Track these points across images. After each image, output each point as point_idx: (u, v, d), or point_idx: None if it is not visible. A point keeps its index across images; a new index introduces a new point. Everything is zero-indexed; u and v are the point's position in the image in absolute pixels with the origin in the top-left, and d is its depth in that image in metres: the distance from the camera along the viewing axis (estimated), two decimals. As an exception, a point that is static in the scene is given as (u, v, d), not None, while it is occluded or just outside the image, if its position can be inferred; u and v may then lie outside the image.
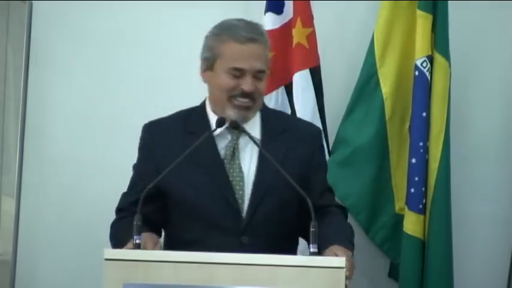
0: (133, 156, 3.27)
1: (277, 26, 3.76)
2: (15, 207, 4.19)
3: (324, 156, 3.29)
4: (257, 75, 2.96)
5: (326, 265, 2.72)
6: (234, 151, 3.08)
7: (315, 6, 3.90)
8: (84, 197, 3.98)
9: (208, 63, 3.00)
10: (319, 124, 3.70)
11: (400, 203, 3.92)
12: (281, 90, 3.80)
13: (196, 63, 3.23)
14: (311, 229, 2.69)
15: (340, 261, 2.66)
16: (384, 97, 3.85)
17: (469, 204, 3.93)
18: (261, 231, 3.00)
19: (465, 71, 4.03)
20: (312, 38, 3.79)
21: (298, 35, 3.76)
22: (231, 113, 2.94)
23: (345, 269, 2.67)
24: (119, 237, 2.94)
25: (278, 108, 3.69)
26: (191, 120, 3.13)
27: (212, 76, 3.02)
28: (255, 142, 3.02)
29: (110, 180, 3.86)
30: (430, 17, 3.79)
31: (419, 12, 3.79)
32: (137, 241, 2.77)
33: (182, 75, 3.99)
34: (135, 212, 2.78)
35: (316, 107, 3.83)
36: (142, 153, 3.13)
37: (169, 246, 3.13)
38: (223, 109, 2.96)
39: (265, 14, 3.81)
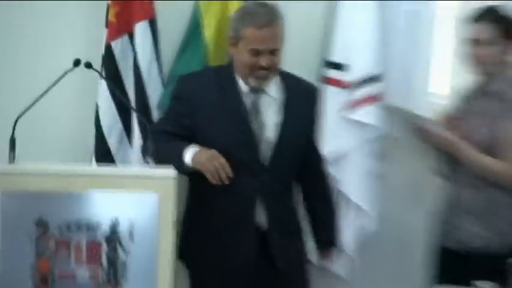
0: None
1: None
2: None
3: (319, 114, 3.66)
4: (273, 52, 3.41)
5: (158, 174, 3.37)
6: (257, 109, 3.52)
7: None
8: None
9: (233, 41, 3.45)
10: (157, 64, 4.19)
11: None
12: (126, 37, 4.16)
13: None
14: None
15: (169, 172, 3.31)
16: (207, 42, 4.26)
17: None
18: (277, 172, 3.53)
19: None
20: None
21: None
22: (252, 82, 3.47)
23: (174, 180, 3.24)
24: (176, 147, 3.61)
25: (122, 53, 4.14)
26: (221, 77, 3.59)
27: (236, 52, 3.45)
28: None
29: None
30: None
31: None
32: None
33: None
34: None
35: (154, 51, 4.20)
36: (181, 99, 3.60)
37: (196, 178, 3.58)
38: (245, 77, 3.49)
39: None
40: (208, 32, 4.22)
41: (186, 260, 3.61)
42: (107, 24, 4.03)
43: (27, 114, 3.45)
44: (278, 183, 3.50)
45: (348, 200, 4.28)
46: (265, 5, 3.48)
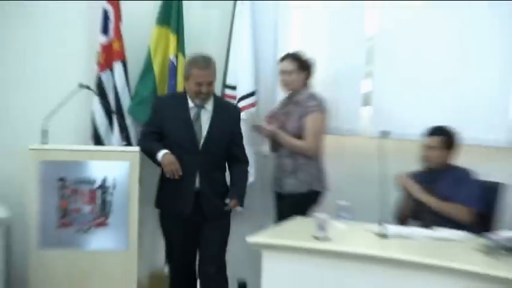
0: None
1: (106, 42, 4.36)
2: None
3: (240, 125, 4.02)
4: (209, 83, 3.76)
5: (129, 150, 3.86)
6: (198, 117, 3.81)
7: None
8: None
9: (186, 77, 3.81)
10: (127, 86, 4.41)
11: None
12: (108, 71, 4.39)
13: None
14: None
15: (135, 148, 3.79)
16: (156, 73, 4.51)
17: None
18: (208, 156, 3.79)
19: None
20: (122, 45, 4.39)
21: (115, 44, 4.38)
22: (197, 101, 3.79)
23: (138, 153, 3.73)
24: (153, 148, 3.75)
25: (107, 80, 4.37)
26: (178, 99, 3.87)
27: (187, 83, 3.80)
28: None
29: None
30: (175, 35, 4.47)
31: (170, 33, 4.47)
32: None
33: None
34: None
35: (125, 79, 4.43)
36: (155, 111, 3.88)
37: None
38: (193, 98, 3.77)
39: (101, 33, 4.35)
40: (156, 68, 4.52)
41: (158, 207, 3.99)
42: (98, 63, 4.41)
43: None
44: (209, 162, 3.81)
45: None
46: (203, 55, 3.81)
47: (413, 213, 3.93)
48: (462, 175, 3.85)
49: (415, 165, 3.94)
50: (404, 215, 3.97)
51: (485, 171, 3.91)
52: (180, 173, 3.67)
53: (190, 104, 3.77)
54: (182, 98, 3.83)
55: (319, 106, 4.18)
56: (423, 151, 3.91)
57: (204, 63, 3.73)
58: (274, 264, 3.40)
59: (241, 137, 3.98)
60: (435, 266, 3.15)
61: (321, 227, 3.37)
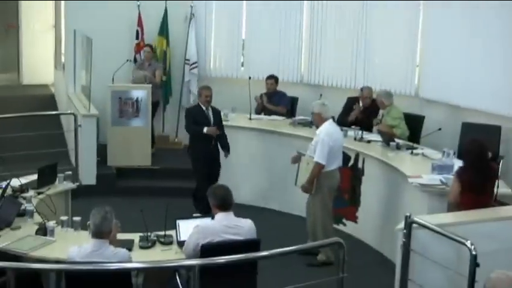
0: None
1: (137, 42, 6.80)
2: None
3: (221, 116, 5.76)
4: (211, 97, 5.20)
5: (145, 86, 6.29)
6: (208, 113, 5.19)
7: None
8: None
9: (199, 94, 5.23)
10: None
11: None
12: (138, 54, 6.71)
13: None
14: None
15: (149, 85, 6.14)
16: (158, 55, 6.75)
17: None
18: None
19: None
20: (144, 44, 6.69)
21: (141, 43, 6.82)
22: (205, 105, 5.06)
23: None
24: (198, 128, 5.03)
25: (138, 58, 6.80)
26: (197, 107, 5.19)
27: (200, 98, 5.17)
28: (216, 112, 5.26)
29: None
30: (166, 40, 6.90)
31: (164, 39, 6.83)
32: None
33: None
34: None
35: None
36: (189, 113, 5.15)
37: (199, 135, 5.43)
38: (204, 104, 5.07)
39: (135, 39, 7.07)
40: (158, 53, 6.76)
41: (191, 156, 5.55)
42: (134, 50, 6.51)
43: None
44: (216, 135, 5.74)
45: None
46: (208, 85, 5.21)
47: (263, 110, 6.51)
48: (282, 94, 6.88)
49: (261, 91, 6.78)
50: (260, 110, 6.52)
51: (289, 91, 6.78)
52: (218, 132, 5.16)
53: (203, 107, 5.27)
54: (198, 106, 5.28)
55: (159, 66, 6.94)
56: (266, 85, 6.69)
57: (208, 88, 5.26)
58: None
59: (222, 121, 5.49)
60: (271, 130, 5.62)
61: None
